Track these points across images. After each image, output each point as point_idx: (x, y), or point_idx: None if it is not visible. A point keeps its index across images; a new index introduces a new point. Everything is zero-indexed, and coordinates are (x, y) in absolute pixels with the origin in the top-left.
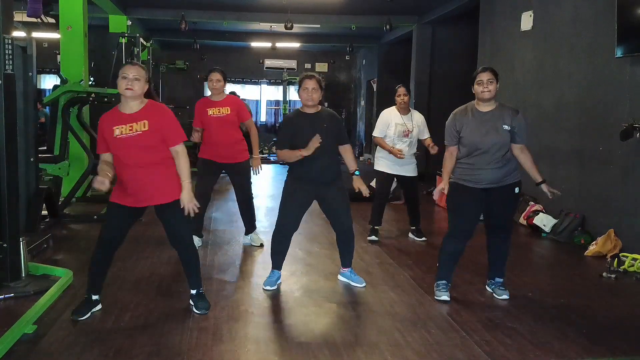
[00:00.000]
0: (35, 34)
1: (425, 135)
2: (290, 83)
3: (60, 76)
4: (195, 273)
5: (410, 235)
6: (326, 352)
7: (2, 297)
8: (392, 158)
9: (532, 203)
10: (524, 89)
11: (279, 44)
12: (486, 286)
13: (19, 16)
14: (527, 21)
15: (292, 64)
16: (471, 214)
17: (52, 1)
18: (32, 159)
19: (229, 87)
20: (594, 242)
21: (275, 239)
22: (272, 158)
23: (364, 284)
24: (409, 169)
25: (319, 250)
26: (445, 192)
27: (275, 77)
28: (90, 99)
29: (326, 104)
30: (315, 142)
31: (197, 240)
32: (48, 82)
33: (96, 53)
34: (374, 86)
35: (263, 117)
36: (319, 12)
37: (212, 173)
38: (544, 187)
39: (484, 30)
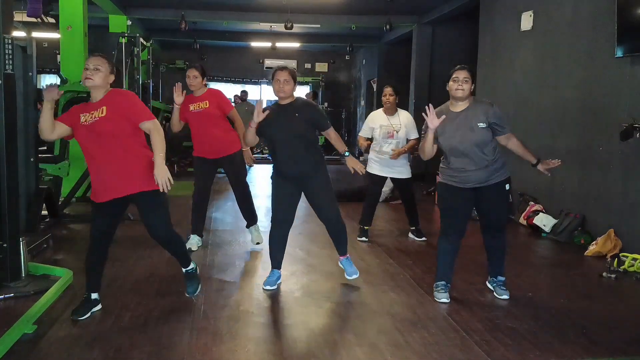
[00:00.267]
0: (35, 34)
1: (413, 135)
2: None
3: (60, 76)
4: (180, 256)
5: (410, 235)
6: (326, 352)
7: (2, 297)
8: (382, 160)
9: (532, 203)
10: (524, 89)
11: (279, 44)
12: (487, 283)
13: (19, 16)
14: (527, 21)
15: (292, 64)
16: (461, 211)
17: (52, 1)
18: (32, 159)
19: (229, 87)
20: (594, 242)
21: (272, 235)
22: (271, 157)
23: (354, 276)
24: (400, 171)
25: (319, 250)
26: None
27: None
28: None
29: (326, 104)
30: (260, 112)
31: (197, 240)
32: (48, 82)
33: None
34: (374, 86)
35: None
36: (319, 12)
37: (208, 171)
38: (540, 167)
39: (484, 30)
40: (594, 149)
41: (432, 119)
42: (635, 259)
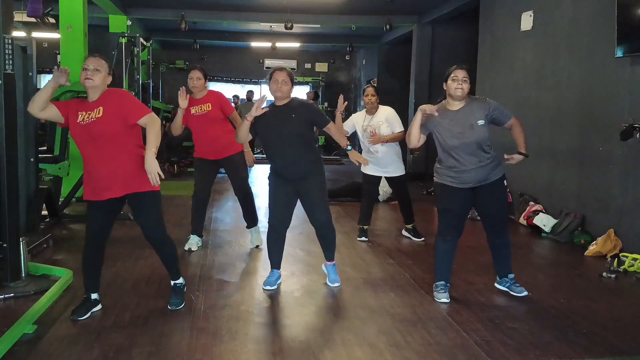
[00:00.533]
0: (35, 34)
1: (398, 129)
2: None
3: None
4: (171, 267)
5: (404, 233)
6: (326, 352)
7: (2, 297)
8: (374, 159)
9: (532, 203)
10: (524, 89)
11: (279, 44)
12: (497, 285)
13: (19, 16)
14: (527, 21)
15: (292, 64)
16: (458, 212)
17: (52, 1)
18: (32, 159)
19: (229, 88)
20: (594, 242)
21: (270, 236)
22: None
23: (336, 284)
24: (392, 169)
25: (319, 250)
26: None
27: None
28: None
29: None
30: (259, 108)
31: (197, 240)
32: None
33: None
34: None
35: None
36: (319, 12)
37: (208, 172)
38: (516, 155)
39: (484, 30)
40: (594, 149)
41: (431, 108)
42: (635, 259)
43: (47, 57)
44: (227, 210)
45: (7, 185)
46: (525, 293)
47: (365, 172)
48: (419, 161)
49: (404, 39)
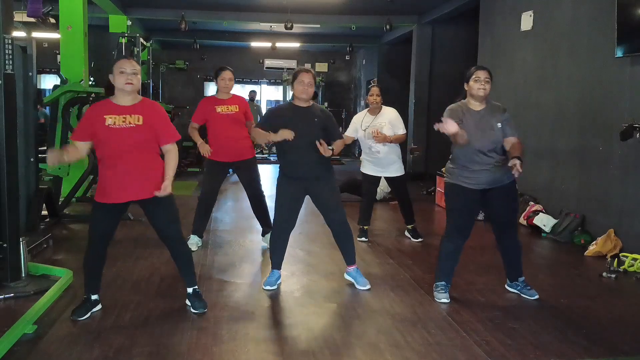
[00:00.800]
0: (35, 34)
1: (400, 131)
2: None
3: (60, 76)
4: (189, 271)
5: (406, 234)
6: (326, 352)
7: (2, 297)
8: (374, 160)
9: (532, 203)
10: (524, 89)
11: (279, 44)
12: (507, 287)
13: (19, 16)
14: (527, 21)
15: (292, 64)
16: (468, 213)
17: (52, 1)
18: (32, 159)
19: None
20: (594, 242)
21: (273, 237)
22: (272, 158)
23: (367, 287)
24: (392, 169)
25: (319, 250)
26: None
27: (275, 77)
28: (90, 99)
29: (326, 104)
30: (289, 135)
31: (197, 240)
32: (48, 82)
33: (96, 53)
34: None
35: None
36: (319, 12)
37: (219, 175)
38: (515, 160)
39: (484, 30)
40: (594, 149)
41: (450, 125)
42: (635, 259)
43: (47, 57)
44: (227, 210)
45: (7, 185)
46: (537, 296)
47: (365, 172)
48: (418, 161)
49: (404, 39)
